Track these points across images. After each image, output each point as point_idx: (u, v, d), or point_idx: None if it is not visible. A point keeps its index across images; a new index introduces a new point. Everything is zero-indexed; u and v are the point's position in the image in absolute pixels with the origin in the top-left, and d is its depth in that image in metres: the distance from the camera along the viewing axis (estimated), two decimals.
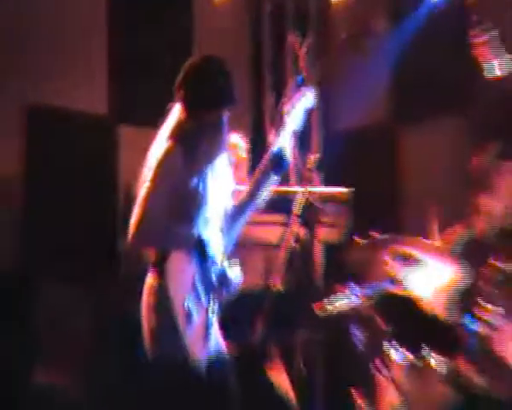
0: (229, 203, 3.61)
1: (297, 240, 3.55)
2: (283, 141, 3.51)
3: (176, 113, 3.40)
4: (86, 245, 5.35)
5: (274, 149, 3.49)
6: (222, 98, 3.38)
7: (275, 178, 3.49)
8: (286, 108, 3.60)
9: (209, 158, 3.42)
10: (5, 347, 4.82)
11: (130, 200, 3.45)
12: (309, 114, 3.58)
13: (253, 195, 3.55)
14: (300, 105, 3.58)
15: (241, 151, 5.07)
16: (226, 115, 3.37)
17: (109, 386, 4.81)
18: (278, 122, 3.56)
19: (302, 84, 3.65)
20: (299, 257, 3.68)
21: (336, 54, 5.14)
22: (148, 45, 5.58)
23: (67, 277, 5.28)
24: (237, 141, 5.05)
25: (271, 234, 4.34)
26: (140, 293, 3.49)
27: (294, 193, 3.64)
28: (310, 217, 3.64)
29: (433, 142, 5.34)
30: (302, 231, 3.62)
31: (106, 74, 5.53)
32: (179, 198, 3.37)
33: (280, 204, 3.89)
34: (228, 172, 3.64)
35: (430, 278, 3.84)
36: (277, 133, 3.57)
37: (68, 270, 5.23)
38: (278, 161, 3.45)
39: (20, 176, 5.25)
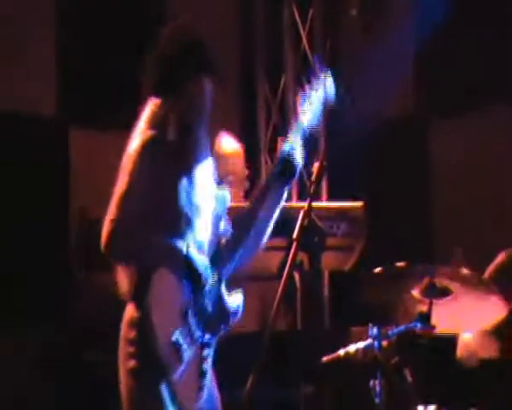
0: (224, 223, 3.11)
1: (298, 269, 2.90)
2: (295, 139, 3.00)
3: (147, 108, 2.93)
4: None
5: (285, 148, 2.97)
6: (199, 65, 2.97)
7: (285, 187, 3.00)
8: (300, 97, 3.04)
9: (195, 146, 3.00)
10: None
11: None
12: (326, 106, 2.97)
13: (257, 211, 3.05)
14: (319, 93, 3.02)
15: (239, 162, 4.49)
16: (209, 86, 2.97)
17: None
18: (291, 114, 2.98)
19: (320, 66, 2.97)
20: (302, 291, 3.03)
21: (347, 33, 4.54)
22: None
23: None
24: (234, 148, 4.43)
25: (270, 262, 3.72)
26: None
27: (298, 209, 2.99)
28: (312, 240, 2.96)
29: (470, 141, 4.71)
30: (304, 259, 2.97)
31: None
32: (161, 198, 2.90)
33: (280, 224, 3.26)
34: (213, 182, 3.10)
35: (472, 316, 3.22)
36: (289, 129, 3.04)
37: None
38: (290, 165, 2.95)
39: None
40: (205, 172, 3.02)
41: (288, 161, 2.92)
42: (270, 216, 3.05)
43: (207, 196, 3.02)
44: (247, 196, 4.14)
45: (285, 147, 2.96)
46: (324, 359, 3.25)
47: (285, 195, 3.06)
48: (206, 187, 3.02)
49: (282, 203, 3.07)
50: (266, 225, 3.07)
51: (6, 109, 5.24)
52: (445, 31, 4.37)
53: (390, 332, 3.23)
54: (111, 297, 3.03)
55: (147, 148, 2.84)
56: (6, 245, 5.09)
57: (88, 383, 5.01)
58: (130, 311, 2.84)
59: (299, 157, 2.96)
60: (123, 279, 2.93)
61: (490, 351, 3.77)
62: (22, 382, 5.09)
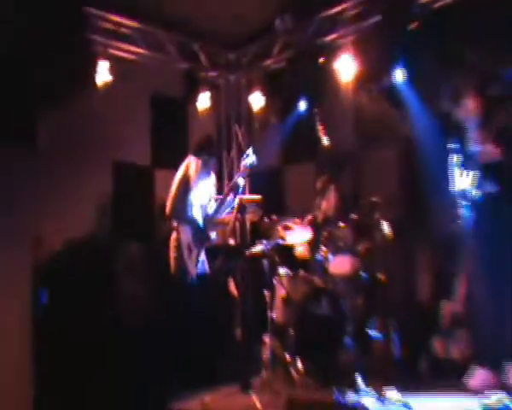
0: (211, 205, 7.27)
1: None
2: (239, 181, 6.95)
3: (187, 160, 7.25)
4: None
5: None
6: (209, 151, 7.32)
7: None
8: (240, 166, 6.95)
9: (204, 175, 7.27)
10: None
11: None
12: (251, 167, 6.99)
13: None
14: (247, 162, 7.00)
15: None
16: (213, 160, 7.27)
17: None
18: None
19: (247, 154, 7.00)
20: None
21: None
22: None
23: None
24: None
25: None
26: None
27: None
28: (242, 209, 6.97)
29: (302, 175, 9.43)
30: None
31: None
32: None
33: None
34: (211, 187, 7.36)
35: (299, 237, 7.44)
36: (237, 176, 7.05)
37: None
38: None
39: None
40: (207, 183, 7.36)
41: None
42: None
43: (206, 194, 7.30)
44: None
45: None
46: (247, 253, 7.07)
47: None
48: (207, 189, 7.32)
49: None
50: None
51: None
52: None
53: (269, 244, 7.15)
54: None
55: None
56: None
57: None
58: (173, 235, 7.20)
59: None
60: None
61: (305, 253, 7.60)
62: None
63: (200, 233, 7.30)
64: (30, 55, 7.20)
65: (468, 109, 6.40)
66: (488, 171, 6.22)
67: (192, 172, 7.29)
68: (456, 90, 6.48)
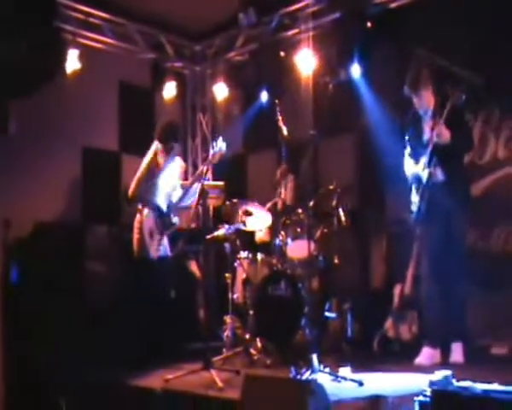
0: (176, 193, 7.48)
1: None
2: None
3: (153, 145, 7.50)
4: None
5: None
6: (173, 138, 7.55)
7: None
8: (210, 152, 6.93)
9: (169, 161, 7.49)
10: None
11: None
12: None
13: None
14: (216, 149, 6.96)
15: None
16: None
17: None
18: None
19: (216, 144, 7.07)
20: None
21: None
22: None
23: None
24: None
25: None
26: None
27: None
28: (205, 195, 6.82)
29: (263, 163, 9.83)
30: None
31: None
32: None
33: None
34: (177, 173, 7.61)
35: (259, 222, 7.66)
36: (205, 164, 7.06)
37: None
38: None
39: None
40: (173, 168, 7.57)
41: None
42: None
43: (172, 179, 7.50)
44: None
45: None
46: (208, 237, 7.22)
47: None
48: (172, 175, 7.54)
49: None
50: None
51: None
52: None
53: (231, 229, 7.38)
54: None
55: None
56: None
57: None
58: (138, 217, 7.38)
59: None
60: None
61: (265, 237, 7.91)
62: None
63: (163, 219, 7.52)
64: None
65: (423, 101, 6.69)
66: (438, 154, 6.51)
67: (160, 158, 7.55)
68: (412, 82, 6.73)
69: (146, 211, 7.44)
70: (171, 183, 7.70)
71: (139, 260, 7.41)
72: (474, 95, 7.05)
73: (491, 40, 7.38)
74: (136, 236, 7.42)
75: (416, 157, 6.72)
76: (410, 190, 6.75)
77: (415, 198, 6.67)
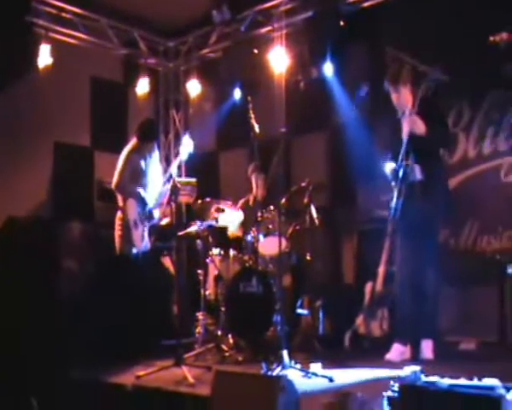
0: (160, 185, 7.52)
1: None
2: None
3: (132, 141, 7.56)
4: None
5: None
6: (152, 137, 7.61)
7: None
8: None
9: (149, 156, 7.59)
10: None
11: None
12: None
13: None
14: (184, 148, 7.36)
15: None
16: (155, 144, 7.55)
17: None
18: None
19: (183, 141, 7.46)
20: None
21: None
22: None
23: None
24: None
25: None
26: None
27: None
28: (176, 191, 6.84)
29: (235, 160, 9.88)
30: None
31: None
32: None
33: None
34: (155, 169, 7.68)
35: (231, 219, 7.73)
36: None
37: None
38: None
39: None
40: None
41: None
42: None
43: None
44: None
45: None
46: (180, 233, 7.25)
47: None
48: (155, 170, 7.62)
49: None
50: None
51: None
52: None
53: (203, 225, 7.36)
54: None
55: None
56: None
57: None
58: (119, 214, 7.50)
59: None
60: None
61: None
62: None
63: (145, 210, 7.68)
64: None
65: (402, 98, 6.67)
66: (415, 145, 6.50)
67: (142, 153, 7.69)
68: (392, 78, 6.74)
69: (130, 201, 7.54)
70: (150, 179, 7.83)
71: (119, 257, 7.53)
72: (444, 93, 7.14)
73: (462, 38, 7.48)
74: (117, 232, 7.53)
75: (391, 155, 6.75)
76: (384, 187, 6.85)
77: (388, 196, 6.72)
